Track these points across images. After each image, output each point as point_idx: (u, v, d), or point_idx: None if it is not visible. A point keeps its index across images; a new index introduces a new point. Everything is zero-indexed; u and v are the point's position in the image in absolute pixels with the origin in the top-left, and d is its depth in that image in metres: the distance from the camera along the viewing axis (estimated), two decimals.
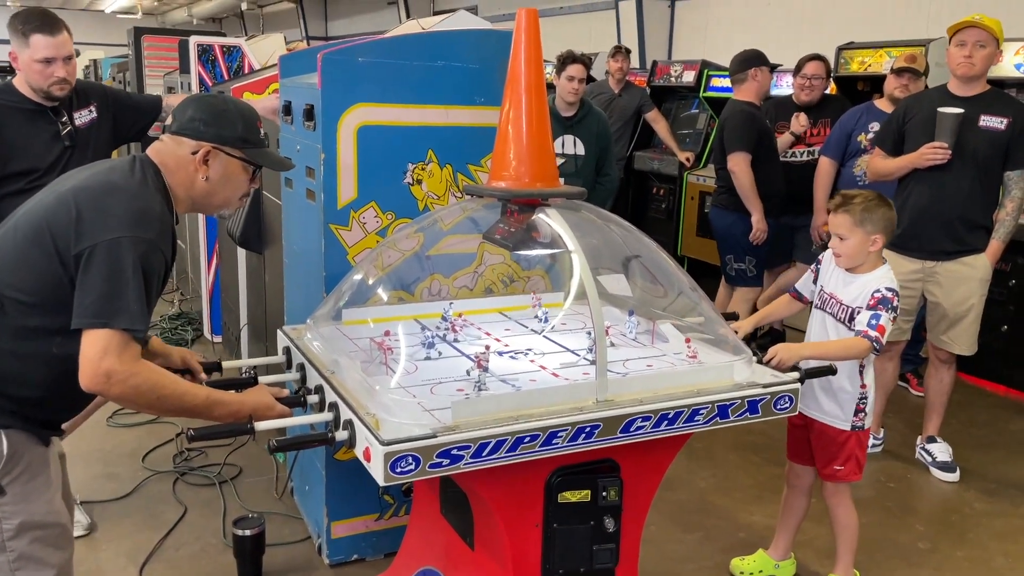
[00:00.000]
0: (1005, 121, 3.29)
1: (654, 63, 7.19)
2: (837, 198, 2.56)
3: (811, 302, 2.74)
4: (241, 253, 4.26)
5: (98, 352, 1.65)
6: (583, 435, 1.87)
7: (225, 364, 2.32)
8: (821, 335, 2.61)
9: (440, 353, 2.26)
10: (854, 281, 2.54)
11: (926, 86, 4.18)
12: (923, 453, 3.70)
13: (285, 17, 19.19)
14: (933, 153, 3.29)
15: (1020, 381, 4.49)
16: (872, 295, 2.44)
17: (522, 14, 2.16)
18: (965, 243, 3.38)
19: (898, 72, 4.26)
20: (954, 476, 3.57)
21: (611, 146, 4.68)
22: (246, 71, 5.13)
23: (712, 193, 5.20)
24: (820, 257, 2.71)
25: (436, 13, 13.00)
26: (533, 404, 1.87)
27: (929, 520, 3.30)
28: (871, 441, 3.74)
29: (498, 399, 1.89)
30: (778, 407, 2.12)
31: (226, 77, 5.05)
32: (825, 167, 4.51)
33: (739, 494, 3.43)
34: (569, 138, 4.42)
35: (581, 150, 4.44)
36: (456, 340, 2.38)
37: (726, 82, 6.22)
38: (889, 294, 2.44)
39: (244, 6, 18.78)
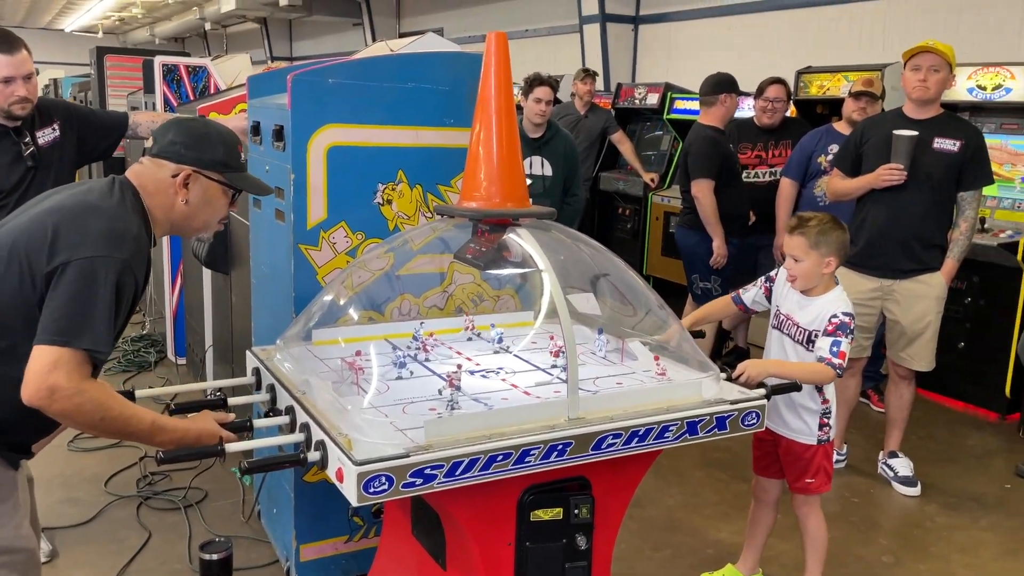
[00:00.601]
0: (958, 143, 3.40)
1: (619, 86, 7.30)
2: (793, 220, 2.63)
3: (752, 312, 2.81)
4: (206, 273, 4.22)
5: (46, 366, 1.62)
6: (555, 453, 1.88)
7: (194, 386, 2.30)
8: (780, 356, 2.66)
9: (412, 372, 2.26)
10: (810, 304, 2.59)
11: (883, 109, 4.31)
12: (885, 468, 3.77)
13: (249, 37, 19.13)
14: (889, 174, 3.39)
15: (977, 397, 4.60)
16: (830, 320, 2.50)
17: (492, 37, 2.19)
18: (921, 262, 3.47)
19: (856, 95, 4.39)
20: (915, 490, 3.64)
21: (578, 167, 4.73)
22: (212, 91, 5.10)
23: (677, 213, 5.27)
24: (772, 273, 2.76)
25: (402, 35, 13.08)
26: (505, 422, 1.88)
27: (892, 534, 3.36)
28: (836, 456, 3.81)
29: (470, 418, 1.90)
30: (746, 423, 2.16)
31: (192, 97, 5.02)
32: (786, 188, 4.61)
33: (707, 511, 3.46)
34: (537, 159, 4.46)
35: (549, 171, 4.48)
36: (427, 359, 2.38)
37: (689, 104, 6.36)
38: (846, 319, 2.50)
39: (207, 26, 18.68)
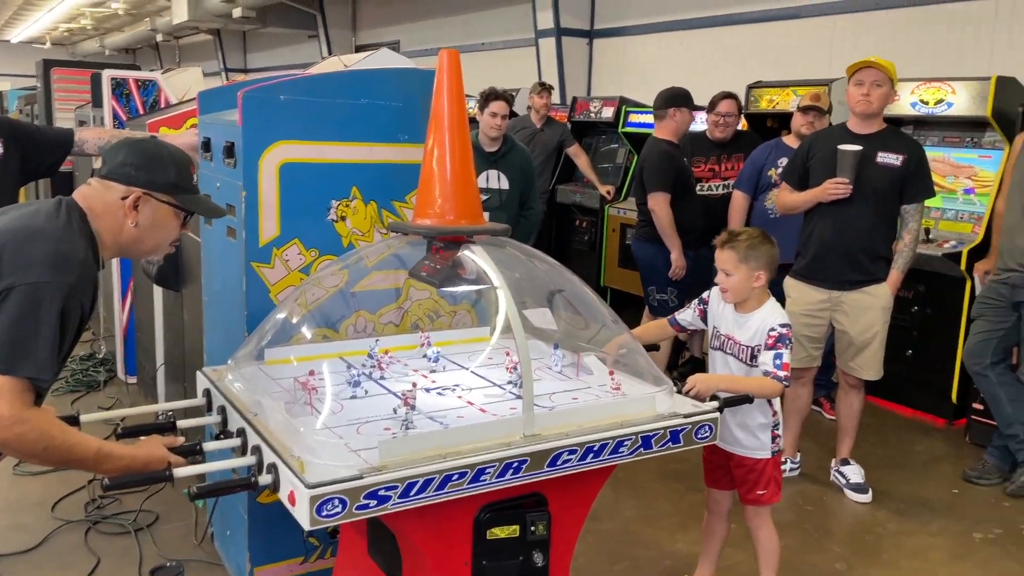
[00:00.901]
0: (901, 158, 3.49)
1: (574, 99, 7.36)
2: (722, 235, 2.68)
3: (690, 332, 2.85)
4: (157, 291, 4.14)
5: None
6: (511, 470, 1.88)
7: (143, 409, 2.26)
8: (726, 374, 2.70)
9: (367, 391, 2.24)
10: (747, 321, 2.64)
11: (830, 123, 4.41)
12: (837, 475, 3.83)
13: (202, 49, 18.88)
14: (835, 188, 3.46)
15: (925, 404, 4.71)
16: (768, 334, 2.55)
17: (444, 55, 2.20)
18: (868, 273, 3.54)
19: (804, 110, 4.49)
20: (867, 497, 3.71)
21: (534, 180, 4.75)
22: (162, 105, 5.03)
23: (633, 225, 5.33)
24: (704, 295, 2.80)
25: (358, 48, 13.04)
26: (461, 441, 1.87)
27: (845, 541, 3.41)
28: (790, 465, 3.88)
29: (426, 437, 1.89)
30: (699, 436, 2.18)
31: (141, 111, 4.94)
32: (738, 201, 4.70)
33: (664, 522, 3.49)
34: (493, 173, 4.48)
35: (505, 184, 4.49)
36: (383, 378, 2.36)
37: (643, 118, 6.44)
38: (784, 330, 2.56)
39: (159, 38, 18.40)
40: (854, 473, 3.78)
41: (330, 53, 12.74)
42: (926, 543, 3.38)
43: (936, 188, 4.82)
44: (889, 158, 3.48)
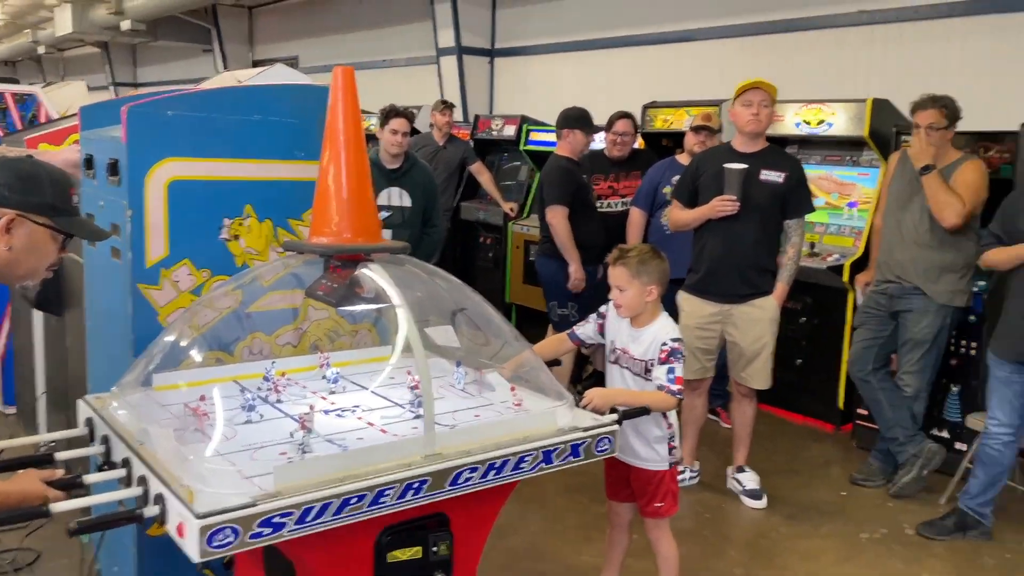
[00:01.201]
0: (783, 175, 3.66)
1: (476, 117, 7.41)
2: (614, 252, 2.74)
3: (588, 346, 2.90)
4: (38, 316, 3.92)
5: None
6: (411, 491, 1.85)
7: (21, 441, 2.12)
8: (622, 388, 2.75)
9: (262, 416, 2.17)
10: (641, 335, 2.71)
11: (720, 141, 4.58)
12: (734, 482, 3.96)
13: (89, 61, 18.06)
14: (723, 205, 3.60)
15: (815, 410, 4.93)
16: (661, 349, 2.62)
17: (338, 72, 2.18)
18: (755, 287, 3.69)
19: (696, 129, 4.65)
20: (762, 503, 3.84)
21: (437, 197, 4.75)
22: (42, 120, 4.78)
23: (537, 242, 5.38)
24: (602, 309, 2.86)
25: (255, 63, 12.75)
26: (360, 463, 1.84)
27: (742, 547, 3.52)
28: (689, 474, 3.98)
29: (323, 461, 1.85)
30: (599, 449, 2.21)
31: (19, 127, 4.68)
32: (636, 217, 4.82)
33: (569, 535, 3.52)
34: (395, 190, 4.45)
35: (407, 202, 4.47)
36: (279, 401, 2.30)
37: (545, 136, 6.54)
38: (676, 344, 2.63)
39: (42, 50, 17.51)
40: (749, 480, 3.91)
41: (225, 68, 12.41)
42: (817, 545, 3.52)
43: (820, 204, 5.10)
44: (772, 175, 3.64)
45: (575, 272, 4.60)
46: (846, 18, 5.80)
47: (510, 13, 8.52)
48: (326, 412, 2.22)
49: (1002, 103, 4.80)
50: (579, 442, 2.15)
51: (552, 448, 2.09)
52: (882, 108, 4.76)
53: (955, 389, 4.18)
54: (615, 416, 2.32)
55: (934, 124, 3.77)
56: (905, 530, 3.64)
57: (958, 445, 4.09)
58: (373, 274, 2.15)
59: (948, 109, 3.80)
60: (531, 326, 6.21)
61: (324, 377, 2.45)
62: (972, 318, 4.08)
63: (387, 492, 1.81)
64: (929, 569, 3.35)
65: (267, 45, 12.89)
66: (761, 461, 4.19)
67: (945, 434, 4.19)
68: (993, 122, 4.32)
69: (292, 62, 11.59)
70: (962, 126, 3.91)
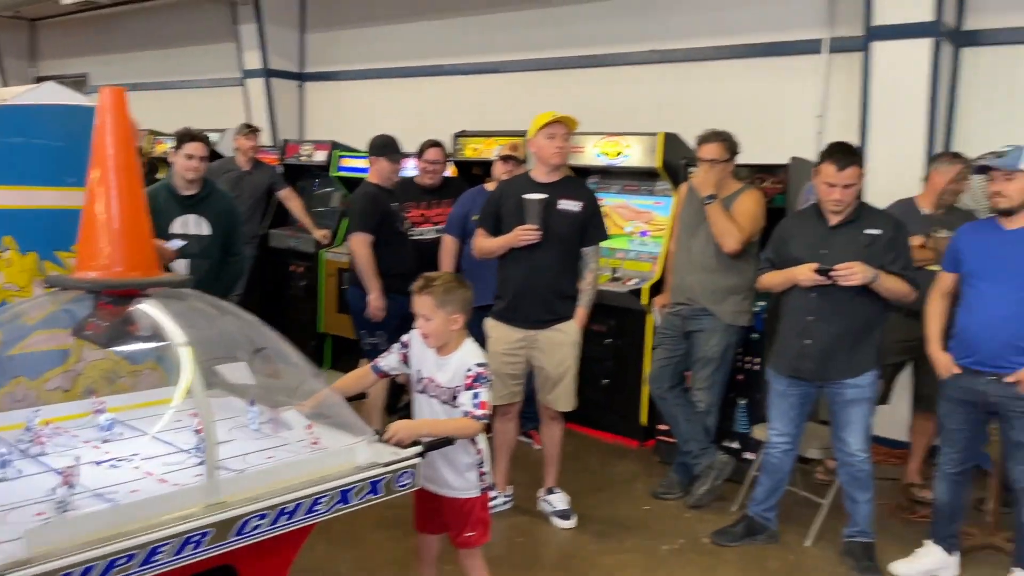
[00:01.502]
0: (580, 204, 3.80)
1: (285, 142, 7.19)
2: (419, 281, 2.73)
3: (392, 377, 2.88)
4: None
5: None
6: (191, 545, 1.72)
7: None
8: (431, 418, 2.73)
9: (20, 471, 1.96)
10: (447, 363, 2.71)
11: (527, 171, 4.70)
12: (545, 504, 4.03)
13: None
14: (525, 234, 3.69)
15: (620, 428, 5.13)
16: (466, 375, 2.63)
17: (106, 93, 2.02)
18: (557, 312, 3.79)
19: (503, 159, 4.76)
20: (571, 523, 3.93)
21: (239, 225, 4.52)
22: None
23: (349, 270, 5.27)
24: (404, 338, 2.84)
25: (39, 80, 11.69)
26: (131, 519, 1.69)
27: (553, 568, 3.58)
28: (502, 499, 4.01)
29: (86, 519, 1.68)
30: (400, 484, 2.17)
31: None
32: (448, 245, 4.85)
33: (383, 572, 3.43)
34: (191, 217, 4.19)
35: (205, 230, 4.23)
36: (42, 454, 2.08)
37: (356, 162, 6.45)
38: (481, 369, 2.65)
39: None
40: (559, 500, 3.99)
41: (4, 83, 11.30)
42: (622, 560, 3.64)
43: (619, 231, 5.36)
44: (570, 205, 3.77)
45: (373, 301, 4.54)
46: (640, 56, 6.17)
47: (320, 37, 8.37)
48: (98, 463, 2.04)
49: (776, 138, 5.28)
50: (378, 478, 2.10)
51: (349, 487, 2.03)
52: (673, 141, 5.08)
53: (742, 402, 4.51)
54: (418, 449, 2.29)
55: (716, 158, 4.08)
56: (701, 539, 3.85)
57: (747, 455, 4.39)
58: (149, 310, 2.00)
59: (728, 143, 4.13)
60: (347, 356, 6.06)
61: (97, 424, 2.25)
62: (755, 336, 4.42)
63: (162, 549, 1.67)
64: (721, 575, 3.55)
65: (53, 61, 11.87)
66: (571, 481, 4.29)
67: (736, 445, 4.50)
68: (769, 155, 4.74)
69: (80, 80, 10.75)
70: (742, 159, 4.25)
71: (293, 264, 6.80)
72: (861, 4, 4.83)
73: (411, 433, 2.38)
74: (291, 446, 2.24)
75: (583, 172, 5.47)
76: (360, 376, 2.89)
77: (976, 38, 4.82)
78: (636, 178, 5.39)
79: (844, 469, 3.58)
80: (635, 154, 5.16)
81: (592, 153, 5.32)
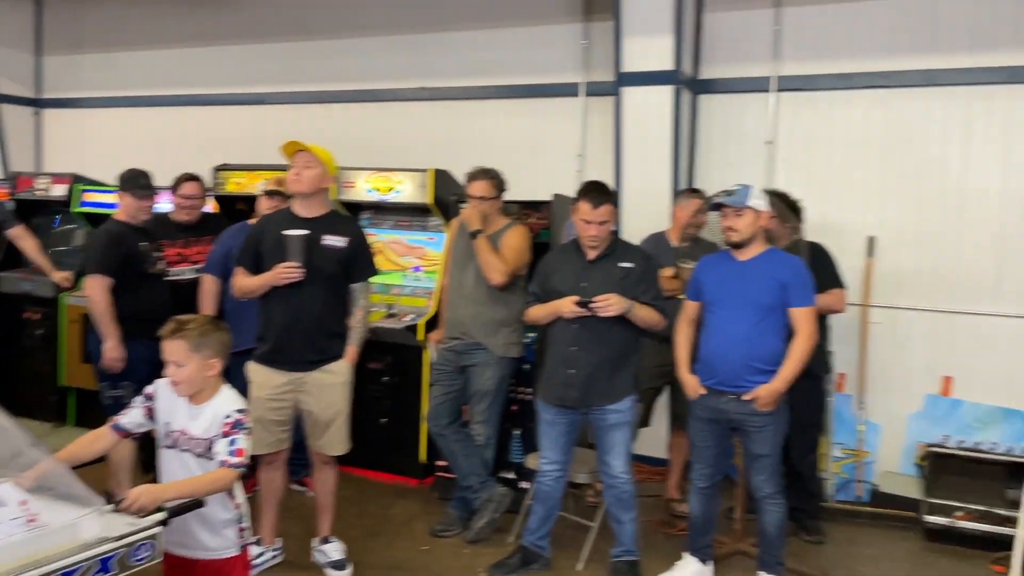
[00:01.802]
0: (345, 240, 3.68)
1: (16, 174, 6.45)
2: (170, 325, 2.54)
3: (137, 436, 2.64)
4: None
5: None
6: None
7: None
8: (184, 475, 2.51)
9: None
10: (202, 412, 2.52)
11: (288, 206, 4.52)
12: (319, 555, 3.83)
13: None
14: (287, 272, 3.52)
15: (399, 467, 5.03)
16: (224, 422, 2.45)
17: None
18: (325, 352, 3.64)
19: (268, 194, 4.55)
20: (347, 572, 3.76)
21: None
22: None
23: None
24: (148, 390, 2.62)
25: None
26: None
27: None
28: (269, 554, 3.76)
29: None
30: (137, 558, 1.95)
31: None
32: (208, 285, 4.55)
33: None
34: None
35: None
36: None
37: (102, 197, 5.91)
38: (240, 415, 2.49)
39: None
40: (334, 550, 3.81)
41: None
42: None
43: (393, 267, 5.31)
44: (334, 240, 3.65)
45: (109, 350, 4.13)
46: (410, 92, 6.21)
47: (59, 61, 7.63)
48: None
49: (541, 175, 5.50)
50: (109, 555, 1.87)
51: (71, 569, 1.77)
52: (443, 178, 5.13)
53: (516, 433, 4.59)
54: (159, 516, 2.07)
55: (484, 195, 4.16)
56: (479, 574, 3.84)
57: (523, 484, 4.46)
58: None
59: (496, 181, 4.23)
60: (94, 411, 5.46)
61: None
62: (526, 366, 4.53)
63: None
64: None
65: None
66: (348, 526, 4.14)
67: (512, 475, 4.56)
68: (535, 192, 4.92)
69: None
70: (509, 195, 4.37)
71: (28, 310, 6.07)
72: (612, 51, 5.17)
73: (154, 499, 2.15)
74: (4, 526, 1.94)
75: (355, 207, 5.38)
76: (96, 438, 2.57)
77: (710, 86, 5.34)
78: (409, 214, 5.38)
79: (609, 491, 3.74)
80: (407, 190, 5.15)
81: (364, 188, 5.25)
